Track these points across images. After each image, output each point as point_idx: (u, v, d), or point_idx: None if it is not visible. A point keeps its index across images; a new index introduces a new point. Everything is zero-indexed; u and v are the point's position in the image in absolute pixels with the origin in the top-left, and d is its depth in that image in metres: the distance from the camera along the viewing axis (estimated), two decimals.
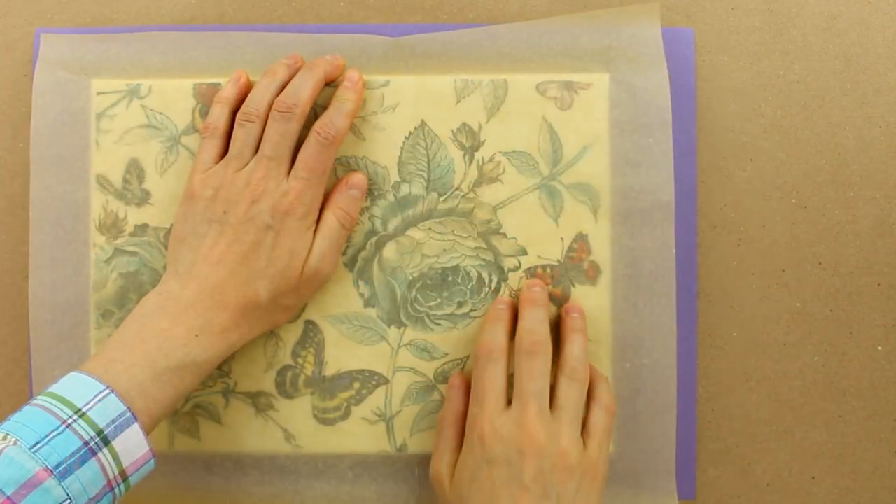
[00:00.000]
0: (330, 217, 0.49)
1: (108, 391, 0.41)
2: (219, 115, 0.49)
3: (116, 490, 0.41)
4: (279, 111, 0.48)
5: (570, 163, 0.51)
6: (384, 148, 0.51)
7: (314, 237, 0.48)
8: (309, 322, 0.51)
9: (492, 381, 0.47)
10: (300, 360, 0.51)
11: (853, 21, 0.53)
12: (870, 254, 0.52)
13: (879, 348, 0.52)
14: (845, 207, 0.52)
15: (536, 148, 0.51)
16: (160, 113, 0.52)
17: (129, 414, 0.41)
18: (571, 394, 0.46)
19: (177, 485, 0.52)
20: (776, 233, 0.52)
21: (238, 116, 0.48)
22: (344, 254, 0.51)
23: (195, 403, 0.52)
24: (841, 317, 0.52)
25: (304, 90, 0.48)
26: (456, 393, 0.49)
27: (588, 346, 0.49)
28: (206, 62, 0.51)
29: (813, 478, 0.52)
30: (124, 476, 0.41)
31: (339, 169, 0.51)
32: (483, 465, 0.45)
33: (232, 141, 0.48)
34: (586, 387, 0.47)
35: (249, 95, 0.49)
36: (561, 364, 0.48)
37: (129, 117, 0.52)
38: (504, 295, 0.51)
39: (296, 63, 0.50)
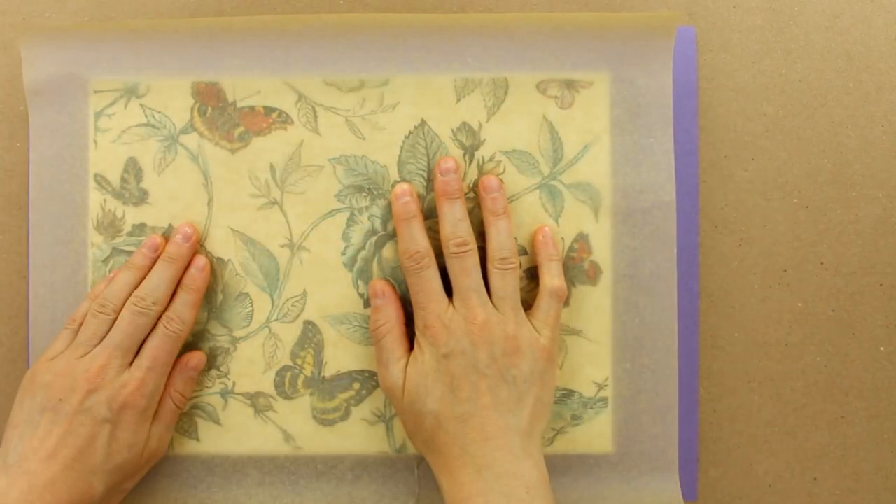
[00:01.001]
0: (167, 402, 0.50)
1: None
2: (84, 310, 0.49)
3: None
4: (137, 306, 0.48)
5: (571, 162, 0.51)
6: (384, 147, 0.51)
7: (152, 424, 0.49)
8: (308, 322, 0.51)
9: (429, 284, 0.48)
10: (299, 361, 0.51)
11: (855, 19, 0.52)
12: (872, 254, 0.52)
13: (882, 348, 0.52)
14: (847, 207, 0.52)
15: (537, 147, 0.51)
16: (158, 112, 0.51)
17: None
18: (506, 283, 0.48)
19: (176, 486, 0.51)
20: (778, 232, 0.52)
21: (93, 307, 0.49)
22: (343, 253, 0.51)
23: (194, 404, 0.51)
24: (843, 317, 0.52)
25: (162, 288, 0.49)
26: (385, 301, 0.49)
27: (511, 227, 0.50)
28: (205, 59, 0.51)
29: (815, 479, 0.52)
30: None
31: (339, 168, 0.51)
32: (441, 360, 0.46)
33: (82, 329, 0.48)
34: (518, 270, 0.49)
35: (108, 288, 0.49)
36: (489, 255, 0.49)
37: (127, 116, 0.51)
38: (403, 184, 0.51)
39: (156, 251, 0.50)
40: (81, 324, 0.49)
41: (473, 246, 0.48)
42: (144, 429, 0.48)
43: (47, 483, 0.44)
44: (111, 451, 0.47)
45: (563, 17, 0.51)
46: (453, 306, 0.47)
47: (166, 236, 0.51)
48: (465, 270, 0.48)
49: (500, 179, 0.50)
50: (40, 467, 0.45)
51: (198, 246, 0.51)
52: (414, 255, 0.48)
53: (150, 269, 0.50)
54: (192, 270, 0.50)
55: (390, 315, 0.49)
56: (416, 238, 0.49)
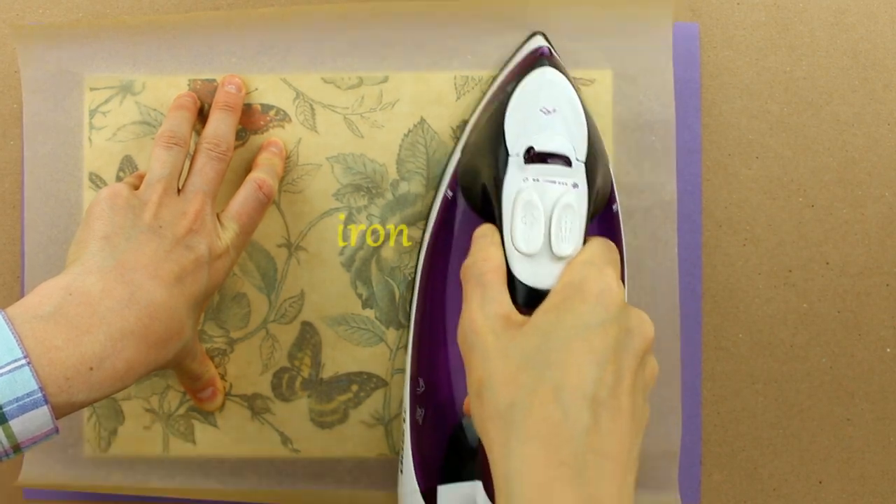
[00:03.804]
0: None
1: (24, 361, 0.37)
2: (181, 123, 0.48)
3: (4, 458, 0.38)
4: (214, 151, 0.47)
5: None
6: (383, 145, 0.51)
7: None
8: (306, 323, 0.51)
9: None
10: (297, 363, 0.51)
11: (861, 16, 0.52)
12: (878, 253, 0.52)
13: (888, 350, 0.52)
14: (853, 206, 0.52)
15: None
16: (154, 109, 0.51)
17: (40, 394, 0.37)
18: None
19: (172, 490, 0.51)
20: (783, 232, 0.52)
21: (161, 140, 0.46)
22: (341, 254, 0.51)
23: (190, 406, 0.51)
24: (849, 318, 0.52)
25: (230, 135, 0.48)
26: (489, 241, 0.42)
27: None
28: (202, 56, 0.51)
29: (820, 482, 0.52)
30: (17, 448, 0.38)
31: (337, 167, 0.51)
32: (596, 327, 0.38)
33: (154, 163, 0.46)
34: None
35: (168, 123, 0.47)
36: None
37: (122, 114, 0.51)
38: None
39: (195, 99, 0.50)
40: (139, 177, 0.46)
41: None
42: (210, 297, 0.46)
43: (149, 301, 0.41)
44: (207, 291, 0.44)
45: (563, 13, 0.50)
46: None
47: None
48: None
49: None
50: (146, 281, 0.41)
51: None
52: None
53: (195, 112, 0.49)
54: (273, 148, 0.49)
55: (499, 256, 0.42)
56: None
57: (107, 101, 0.51)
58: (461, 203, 0.47)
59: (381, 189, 0.51)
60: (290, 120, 0.51)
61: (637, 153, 0.50)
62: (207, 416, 0.51)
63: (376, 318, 0.51)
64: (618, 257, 0.41)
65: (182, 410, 0.51)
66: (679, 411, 0.50)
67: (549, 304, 0.38)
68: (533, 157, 0.41)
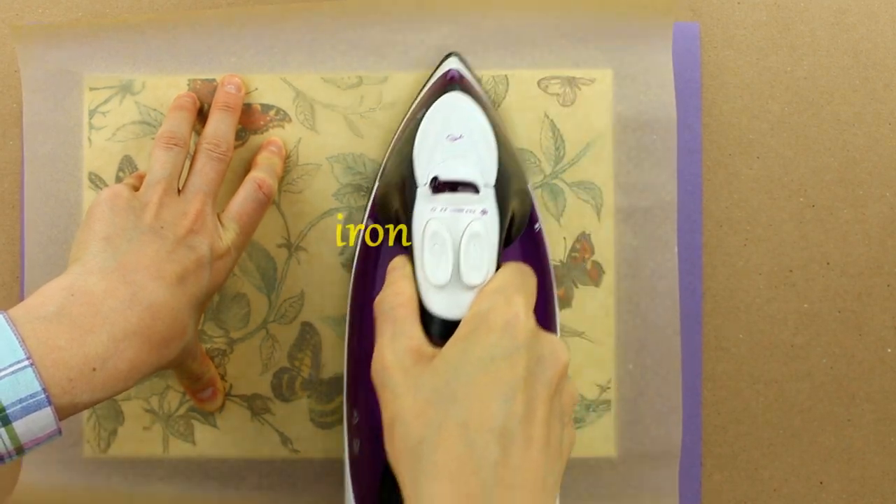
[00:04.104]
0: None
1: (27, 363, 0.37)
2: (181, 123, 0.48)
3: (7, 460, 0.38)
4: (214, 152, 0.46)
5: (573, 161, 0.50)
6: (382, 145, 0.51)
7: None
8: (305, 324, 0.51)
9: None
10: (297, 363, 0.51)
11: (862, 16, 0.52)
12: (879, 254, 0.52)
13: (889, 350, 0.52)
14: (854, 206, 0.52)
15: (538, 145, 0.50)
16: (154, 109, 0.51)
17: (43, 396, 0.37)
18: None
19: (171, 490, 0.51)
20: (783, 232, 0.52)
21: (160, 141, 0.46)
22: (341, 254, 0.51)
23: (190, 406, 0.51)
24: (850, 318, 0.52)
25: (230, 135, 0.48)
26: (400, 274, 0.42)
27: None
28: (201, 56, 0.51)
29: (821, 483, 0.52)
30: (20, 450, 0.38)
31: (337, 167, 0.51)
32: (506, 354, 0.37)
33: (154, 164, 0.45)
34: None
35: (168, 124, 0.47)
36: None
37: (122, 114, 0.51)
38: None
39: (194, 99, 0.50)
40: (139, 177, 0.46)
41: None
42: (212, 297, 0.45)
43: (151, 301, 0.41)
44: (208, 291, 0.44)
45: (563, 13, 0.50)
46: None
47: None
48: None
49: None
50: (148, 281, 0.41)
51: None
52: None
53: (194, 113, 0.49)
54: (272, 147, 0.49)
55: (409, 290, 0.42)
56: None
57: (106, 101, 0.51)
58: (380, 233, 0.47)
59: None
60: (290, 120, 0.51)
61: (637, 153, 0.50)
62: (207, 417, 0.51)
63: None
64: (532, 282, 0.41)
65: (182, 411, 0.51)
66: (679, 411, 0.50)
67: (458, 335, 0.38)
68: (439, 186, 0.41)
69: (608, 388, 0.50)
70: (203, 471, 0.51)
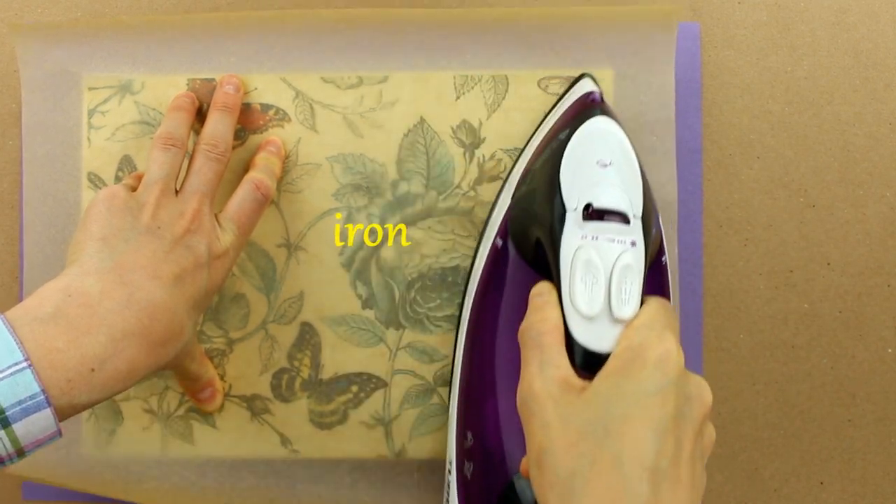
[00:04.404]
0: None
1: (25, 364, 0.37)
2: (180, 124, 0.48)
3: (8, 463, 0.38)
4: (212, 153, 0.46)
5: None
6: (382, 145, 0.50)
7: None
8: (305, 324, 0.51)
9: None
10: (296, 363, 0.51)
11: (862, 15, 0.52)
12: (880, 254, 0.52)
13: (890, 350, 0.52)
14: (855, 206, 0.52)
15: None
16: (153, 109, 0.51)
17: (42, 397, 0.37)
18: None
19: (170, 490, 0.51)
20: (784, 232, 0.52)
21: (158, 141, 0.46)
22: (341, 254, 0.50)
23: (189, 407, 0.51)
24: (850, 318, 0.52)
25: (228, 136, 0.48)
26: (546, 300, 0.41)
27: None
28: (201, 56, 0.51)
29: (822, 483, 0.52)
30: (21, 453, 0.38)
31: (336, 167, 0.50)
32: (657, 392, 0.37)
33: (152, 165, 0.45)
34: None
35: (166, 125, 0.47)
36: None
37: (121, 113, 0.51)
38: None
39: (193, 99, 0.50)
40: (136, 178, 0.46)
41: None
42: (211, 298, 0.45)
43: (148, 301, 0.41)
44: (207, 292, 0.44)
45: (563, 12, 0.50)
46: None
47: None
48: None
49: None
50: (145, 282, 0.41)
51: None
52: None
53: (192, 113, 0.49)
54: (271, 147, 0.49)
55: (556, 317, 0.41)
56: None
57: (106, 101, 0.51)
58: (512, 253, 0.46)
59: (381, 189, 0.50)
60: (290, 119, 0.51)
61: (637, 153, 0.50)
62: (206, 417, 0.51)
63: (376, 318, 0.51)
64: (676, 318, 0.41)
65: (181, 411, 0.51)
66: None
67: (609, 369, 0.38)
68: (591, 213, 0.40)
69: None
70: (202, 471, 0.51)
